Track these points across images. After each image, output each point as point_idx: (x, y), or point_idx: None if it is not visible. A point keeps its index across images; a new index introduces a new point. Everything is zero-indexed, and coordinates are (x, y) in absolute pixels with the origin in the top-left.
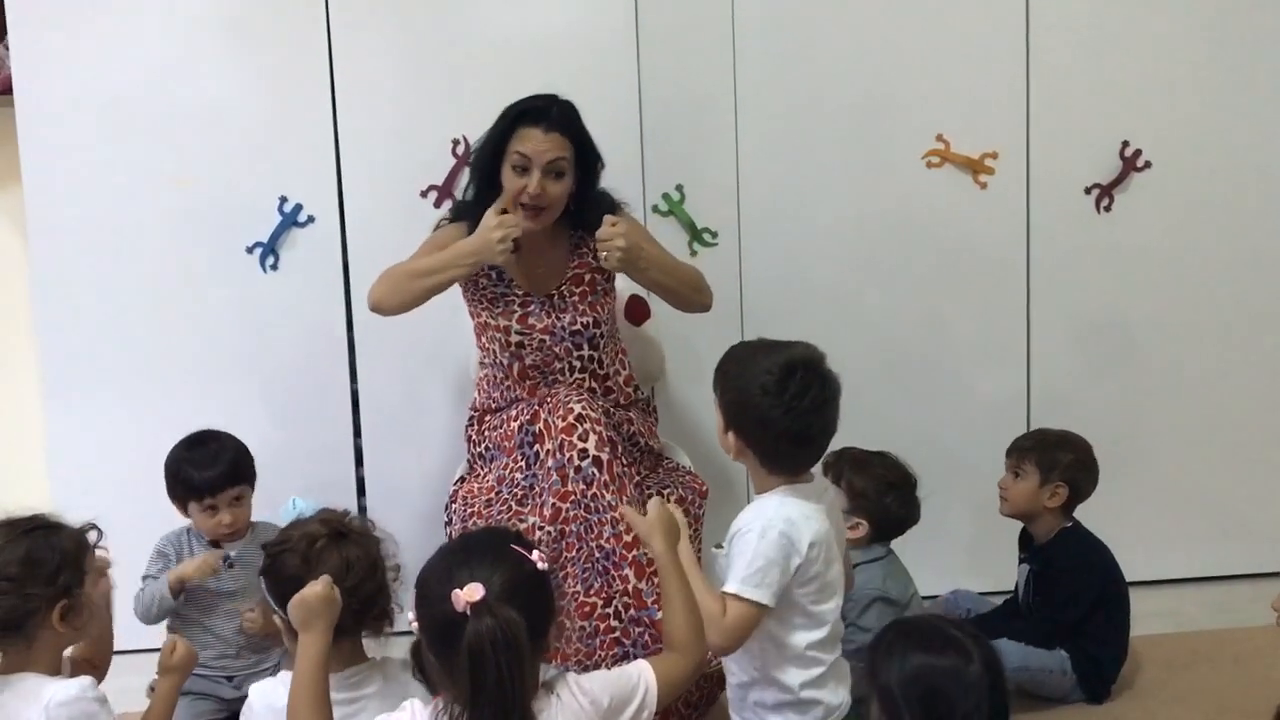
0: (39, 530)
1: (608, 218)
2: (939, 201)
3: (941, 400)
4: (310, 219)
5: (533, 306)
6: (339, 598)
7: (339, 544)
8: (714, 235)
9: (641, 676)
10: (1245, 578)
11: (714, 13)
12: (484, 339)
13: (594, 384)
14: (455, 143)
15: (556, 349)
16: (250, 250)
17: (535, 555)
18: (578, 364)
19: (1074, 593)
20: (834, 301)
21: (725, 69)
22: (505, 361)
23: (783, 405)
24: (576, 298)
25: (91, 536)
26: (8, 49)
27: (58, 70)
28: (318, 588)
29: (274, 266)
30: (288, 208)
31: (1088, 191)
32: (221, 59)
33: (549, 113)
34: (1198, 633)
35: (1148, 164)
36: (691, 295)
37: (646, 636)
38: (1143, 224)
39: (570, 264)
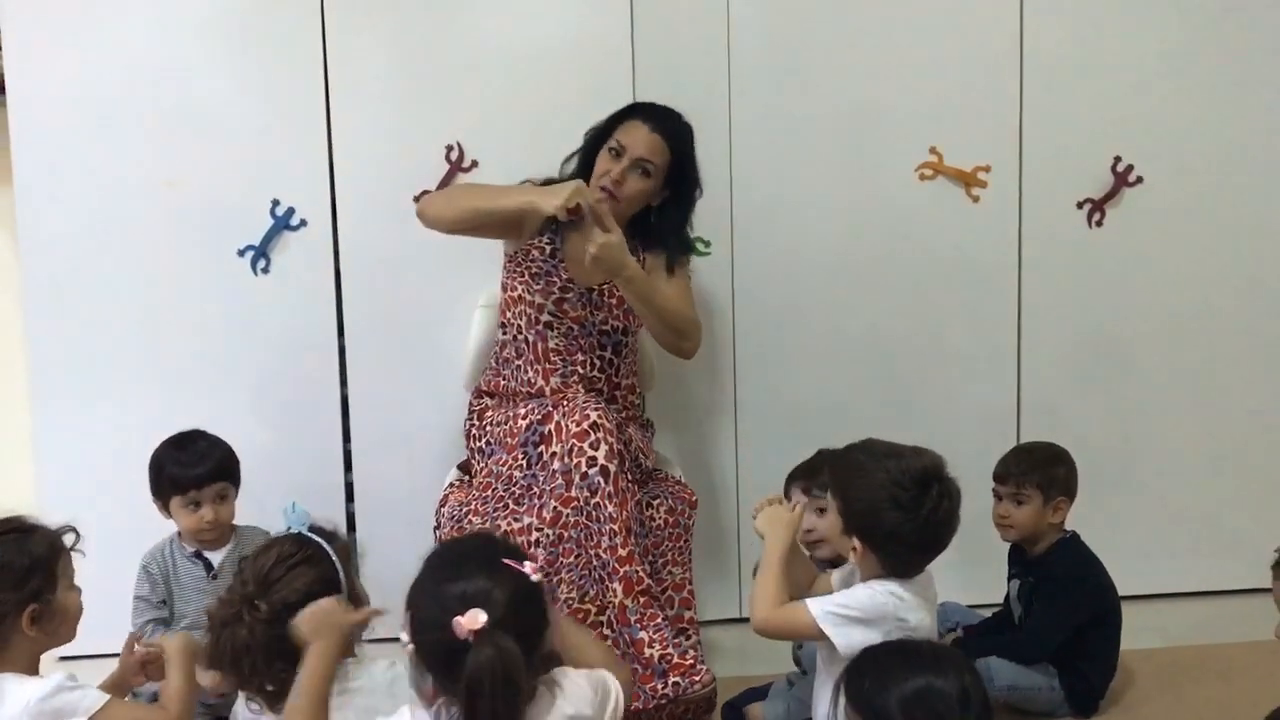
0: (11, 534)
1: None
2: (931, 213)
3: (932, 412)
4: (303, 223)
5: (571, 294)
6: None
7: (234, 627)
8: (707, 245)
9: (606, 679)
10: (1233, 593)
11: (709, 23)
12: (511, 313)
13: (606, 389)
14: (449, 148)
15: (582, 341)
16: (242, 253)
17: (528, 567)
18: (598, 363)
19: (1068, 606)
20: (826, 312)
21: (720, 80)
22: (530, 338)
23: (919, 520)
24: (614, 301)
25: (68, 539)
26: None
27: (50, 71)
28: (329, 605)
29: (265, 270)
30: (280, 211)
31: (1079, 206)
32: (215, 61)
33: (660, 115)
34: (1185, 648)
35: (1139, 179)
36: (668, 337)
37: (631, 652)
38: (1134, 239)
39: None
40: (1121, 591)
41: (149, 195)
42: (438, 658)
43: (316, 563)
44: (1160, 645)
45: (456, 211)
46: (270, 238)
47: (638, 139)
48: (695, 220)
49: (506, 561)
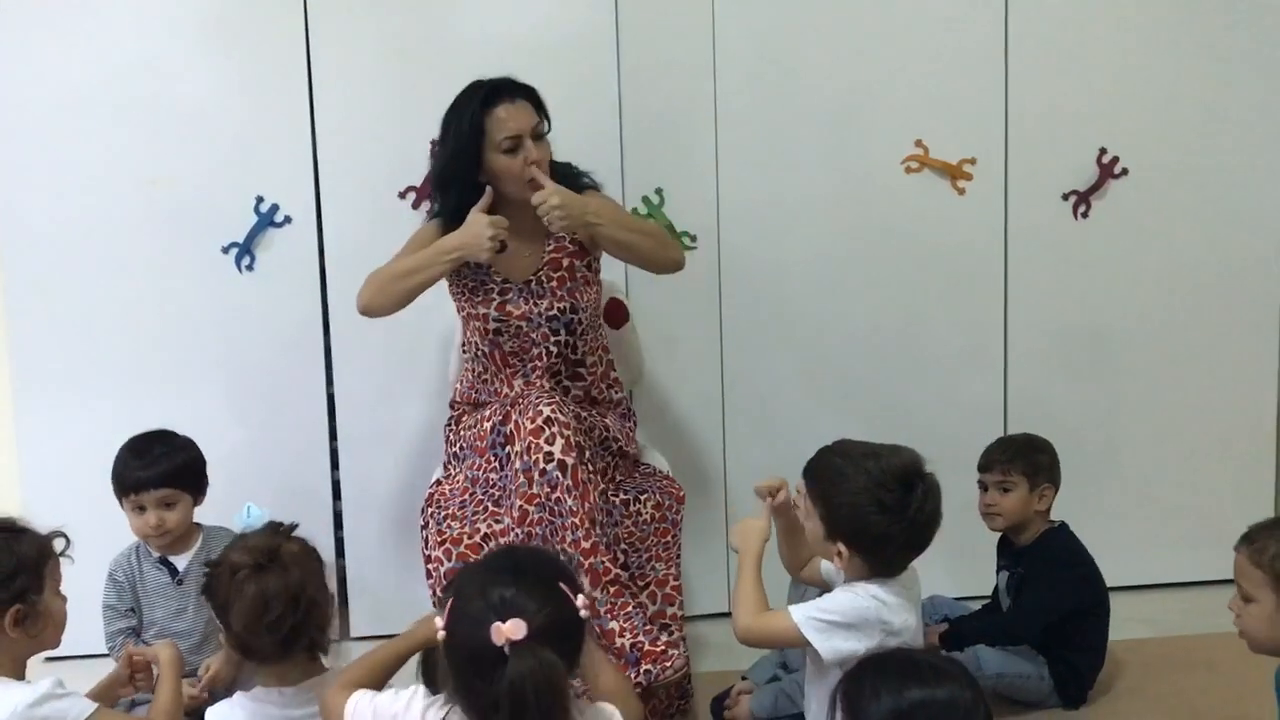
0: (0, 534)
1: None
2: (917, 206)
3: (919, 405)
4: (287, 219)
5: (511, 294)
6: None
7: (259, 576)
8: (693, 239)
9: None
10: (1221, 583)
11: (694, 16)
12: (468, 331)
13: (565, 369)
14: (434, 144)
15: (533, 335)
16: (226, 250)
17: (580, 600)
18: (554, 349)
19: (1055, 592)
20: (812, 305)
21: (705, 73)
22: (486, 350)
23: (905, 520)
24: (555, 283)
25: (58, 544)
26: None
27: (32, 68)
28: None
29: (250, 267)
30: (264, 208)
31: (1065, 198)
32: (198, 57)
33: (509, 86)
34: (1173, 638)
35: (1125, 171)
36: (658, 250)
37: (602, 643)
38: (1120, 231)
39: (547, 248)
40: (1109, 582)
41: (132, 193)
42: (466, 655)
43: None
44: (1148, 636)
45: (396, 297)
46: (255, 235)
47: (518, 117)
48: (680, 213)
49: (562, 586)
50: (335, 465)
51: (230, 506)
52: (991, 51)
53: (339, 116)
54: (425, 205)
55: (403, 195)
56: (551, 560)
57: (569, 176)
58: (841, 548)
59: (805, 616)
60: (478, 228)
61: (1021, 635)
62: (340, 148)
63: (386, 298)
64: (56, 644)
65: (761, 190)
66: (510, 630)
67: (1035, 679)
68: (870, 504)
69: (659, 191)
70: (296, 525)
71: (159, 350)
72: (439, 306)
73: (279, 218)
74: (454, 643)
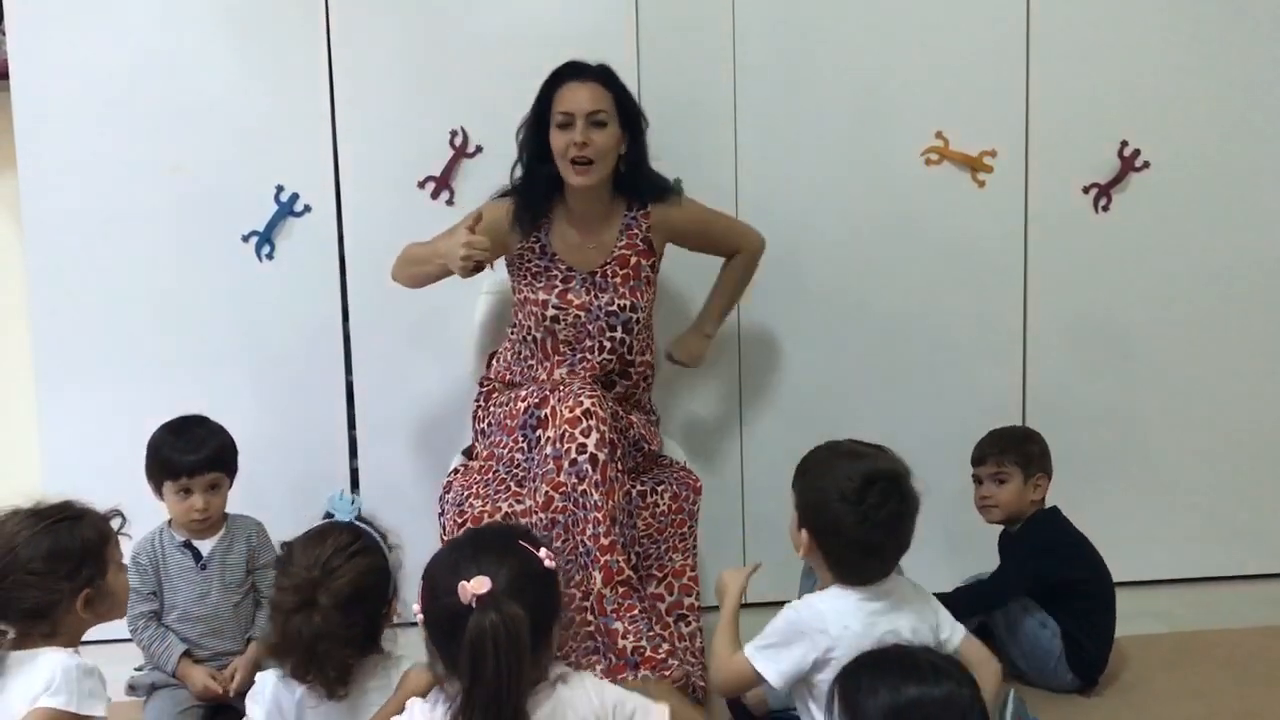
0: (64, 522)
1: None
2: (937, 199)
3: (937, 398)
4: (307, 208)
5: (574, 283)
6: None
7: (307, 612)
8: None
9: (631, 706)
10: (1236, 579)
11: (714, 8)
12: (521, 314)
13: (617, 366)
14: (453, 134)
15: (590, 327)
16: (246, 239)
17: (543, 553)
18: (608, 344)
19: (1021, 560)
20: (831, 298)
21: (725, 65)
22: (539, 336)
23: (859, 514)
24: (619, 280)
25: (115, 523)
26: (4, 35)
27: (54, 58)
28: None
29: (270, 256)
30: (284, 197)
31: (1086, 191)
32: (219, 47)
33: (585, 67)
34: (1187, 633)
35: (1146, 164)
36: (754, 268)
37: (606, 642)
38: (1141, 224)
39: (618, 244)
40: (1125, 577)
41: (153, 181)
42: (443, 626)
43: (371, 552)
44: (1162, 630)
45: (410, 280)
46: (275, 224)
47: (578, 98)
48: (699, 196)
49: (521, 544)
50: (354, 454)
51: (247, 494)
52: (1012, 43)
53: (359, 106)
54: (444, 195)
55: (422, 185)
56: (508, 527)
57: (651, 177)
58: (805, 535)
59: (753, 649)
60: (454, 243)
61: (994, 596)
62: (360, 137)
63: (405, 279)
64: (122, 614)
65: (781, 181)
66: (475, 586)
67: (1038, 625)
68: (834, 494)
69: (678, 181)
70: (370, 534)
71: (179, 338)
72: (458, 295)
73: (299, 207)
74: (430, 620)
